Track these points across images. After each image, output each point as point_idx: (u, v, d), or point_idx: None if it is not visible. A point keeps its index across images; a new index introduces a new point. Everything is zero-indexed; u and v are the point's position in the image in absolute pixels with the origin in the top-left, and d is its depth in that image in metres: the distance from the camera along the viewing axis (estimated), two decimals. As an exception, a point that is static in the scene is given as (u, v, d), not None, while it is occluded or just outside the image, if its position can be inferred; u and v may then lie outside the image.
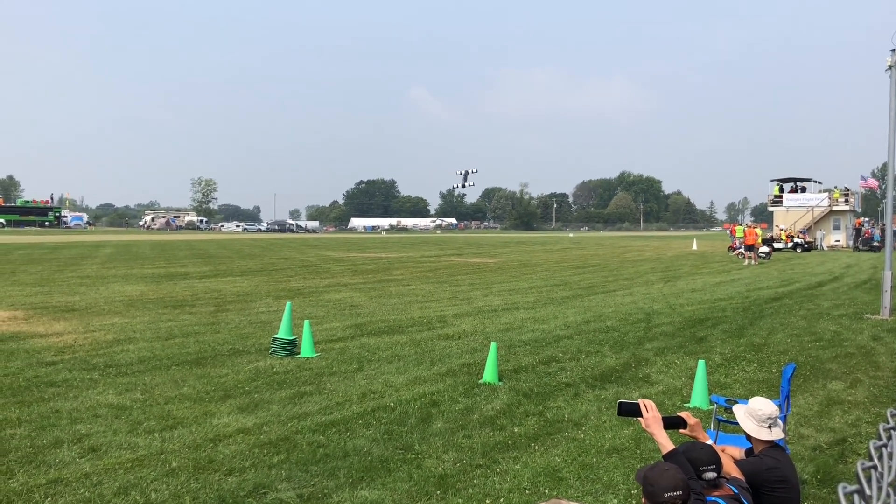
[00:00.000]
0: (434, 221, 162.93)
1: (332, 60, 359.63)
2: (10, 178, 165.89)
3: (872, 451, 2.84)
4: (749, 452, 3.99)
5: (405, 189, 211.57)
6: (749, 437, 3.88)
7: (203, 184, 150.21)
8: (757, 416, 3.79)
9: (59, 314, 13.86)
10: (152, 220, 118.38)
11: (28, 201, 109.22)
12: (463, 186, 46.42)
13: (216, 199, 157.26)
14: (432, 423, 6.91)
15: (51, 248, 39.96)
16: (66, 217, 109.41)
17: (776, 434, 3.79)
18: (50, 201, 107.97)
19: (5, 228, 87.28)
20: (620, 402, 3.63)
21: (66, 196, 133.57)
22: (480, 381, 8.58)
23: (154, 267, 27.02)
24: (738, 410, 3.91)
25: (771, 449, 3.79)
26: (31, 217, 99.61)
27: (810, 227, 52.13)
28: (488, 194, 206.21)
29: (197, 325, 12.75)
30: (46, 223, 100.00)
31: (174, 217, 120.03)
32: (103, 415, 6.99)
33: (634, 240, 76.94)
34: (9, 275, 22.49)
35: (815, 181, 57.30)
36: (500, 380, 8.65)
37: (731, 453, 3.96)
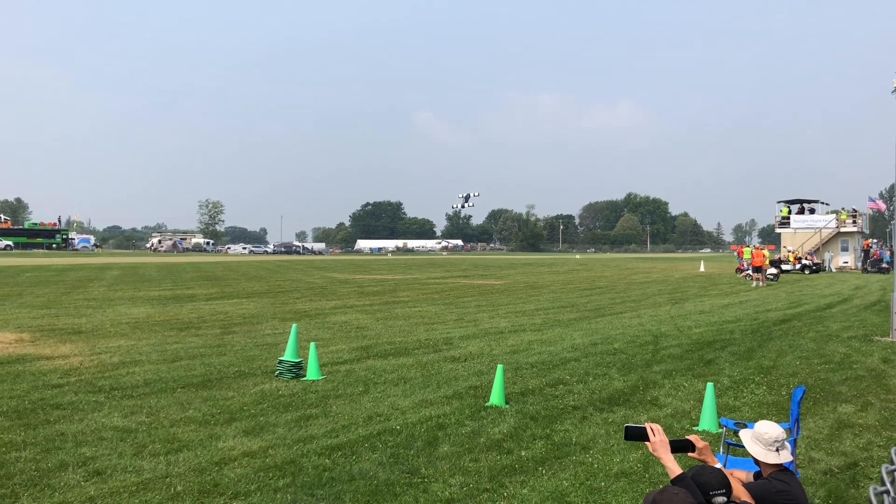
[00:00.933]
0: (440, 243, 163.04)
1: (339, 85, 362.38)
2: (19, 200, 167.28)
3: (885, 476, 2.80)
4: (758, 476, 3.95)
5: (411, 211, 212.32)
6: (757, 462, 3.83)
7: (210, 206, 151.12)
8: (763, 439, 3.75)
9: (65, 336, 13.87)
10: (159, 242, 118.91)
11: (36, 223, 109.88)
12: (463, 207, 46.65)
13: (223, 221, 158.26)
14: (439, 446, 6.86)
15: (58, 271, 40.10)
16: (74, 239, 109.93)
17: (784, 457, 3.75)
18: (57, 224, 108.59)
19: (13, 251, 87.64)
20: (627, 427, 3.60)
21: (73, 218, 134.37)
22: (487, 404, 8.53)
23: (160, 289, 27.07)
24: (745, 435, 3.88)
25: (780, 472, 3.74)
26: (39, 239, 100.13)
27: (818, 249, 51.98)
28: (494, 216, 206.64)
29: (203, 347, 12.74)
30: (54, 245, 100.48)
31: (181, 239, 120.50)
32: (109, 437, 6.97)
33: (641, 261, 76.81)
34: (16, 297, 22.55)
35: (823, 202, 57.30)
36: (506, 403, 8.59)
37: (739, 476, 3.92)
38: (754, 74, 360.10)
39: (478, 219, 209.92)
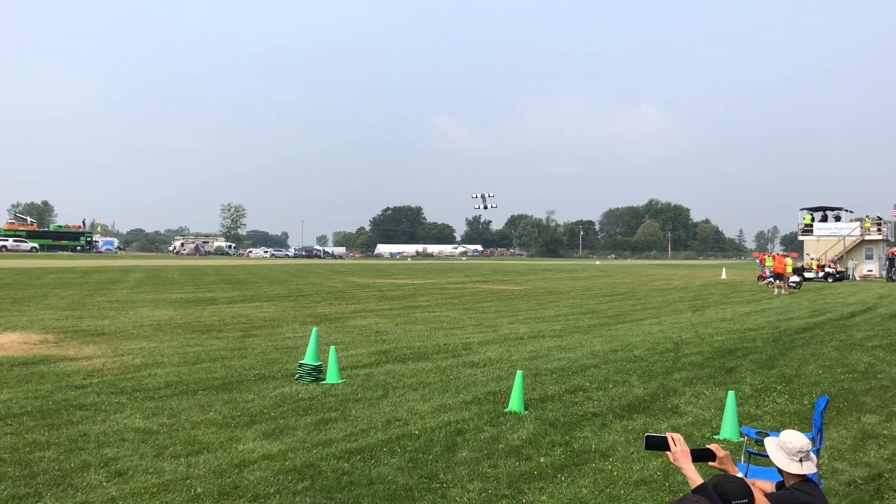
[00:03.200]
0: (455, 248, 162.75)
1: (361, 90, 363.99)
2: (45, 203, 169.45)
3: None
4: (780, 486, 3.90)
5: (431, 216, 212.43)
6: (780, 472, 3.79)
7: (232, 210, 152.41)
8: (788, 449, 3.71)
9: (88, 338, 14.03)
10: (182, 245, 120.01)
11: (61, 226, 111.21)
12: (484, 208, 46.15)
13: (245, 224, 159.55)
14: (457, 451, 6.86)
15: (82, 273, 40.56)
16: (98, 242, 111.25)
17: (808, 468, 3.70)
18: (82, 226, 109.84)
19: (39, 253, 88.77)
20: (648, 436, 3.58)
21: (97, 221, 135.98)
22: (506, 410, 8.51)
23: (182, 292, 27.29)
24: (770, 443, 3.83)
25: (803, 483, 3.69)
26: (64, 242, 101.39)
27: (842, 257, 51.38)
28: (514, 221, 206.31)
29: (224, 350, 12.82)
30: (78, 248, 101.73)
31: (203, 242, 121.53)
32: (130, 439, 7.03)
33: (662, 268, 76.36)
34: (41, 298, 22.83)
35: (847, 210, 56.56)
36: (525, 409, 8.57)
37: (761, 487, 3.88)
38: (779, 79, 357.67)
39: (497, 224, 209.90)
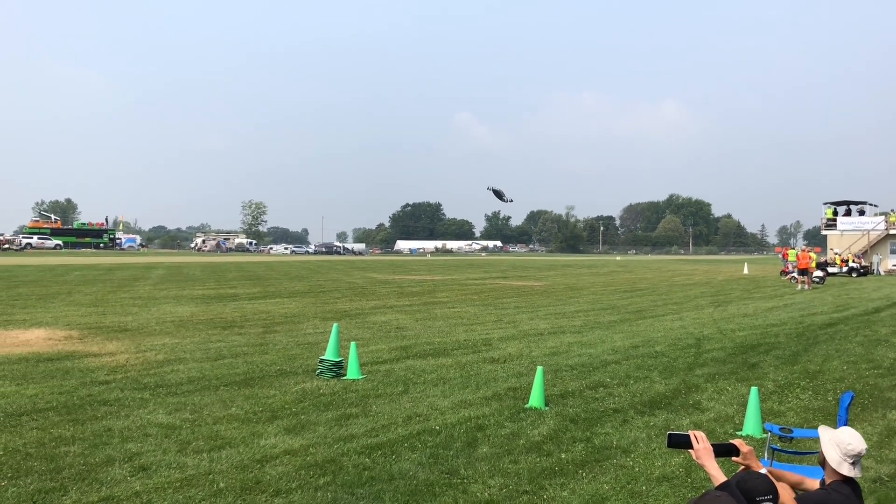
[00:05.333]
0: (469, 244, 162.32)
1: (380, 87, 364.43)
2: (69, 200, 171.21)
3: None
4: (823, 483, 3.76)
5: (450, 212, 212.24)
6: (823, 464, 3.66)
7: (253, 206, 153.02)
8: (846, 449, 3.54)
9: (112, 334, 14.17)
10: (203, 242, 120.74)
11: (84, 224, 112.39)
12: (503, 200, 45.31)
13: (265, 221, 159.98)
14: (478, 447, 6.86)
15: (105, 270, 40.99)
16: (120, 239, 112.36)
17: (856, 473, 3.58)
18: (105, 224, 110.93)
19: (63, 250, 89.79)
20: (670, 434, 3.55)
21: (120, 218, 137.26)
22: (526, 406, 8.50)
23: (204, 288, 27.50)
24: (825, 434, 3.68)
25: (842, 484, 3.57)
26: (87, 239, 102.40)
27: (866, 251, 50.77)
28: (533, 217, 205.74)
29: (245, 346, 12.91)
30: (101, 245, 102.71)
31: (224, 239, 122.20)
32: (153, 434, 7.10)
33: (683, 263, 75.87)
34: (65, 295, 23.10)
35: (871, 204, 55.86)
36: (546, 405, 8.55)
37: (789, 480, 3.78)
38: (801, 72, 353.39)
39: (517, 220, 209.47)
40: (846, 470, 3.54)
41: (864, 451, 3.54)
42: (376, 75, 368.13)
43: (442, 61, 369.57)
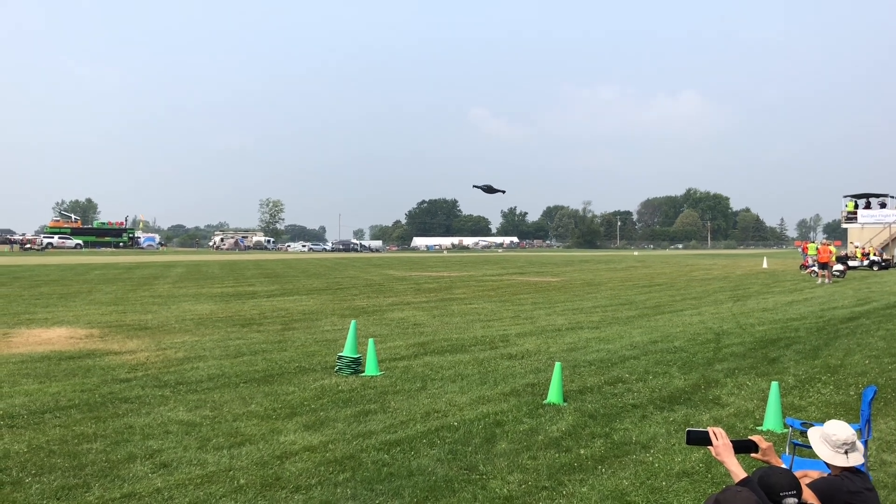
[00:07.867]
0: (480, 241, 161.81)
1: (396, 84, 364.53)
2: (89, 200, 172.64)
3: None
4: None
5: (466, 208, 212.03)
6: (827, 464, 3.69)
7: (271, 205, 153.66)
8: (832, 441, 3.59)
9: (132, 332, 14.29)
10: (221, 240, 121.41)
11: (104, 223, 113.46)
12: (494, 192, 44.68)
13: (283, 219, 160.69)
14: (497, 443, 6.85)
15: (125, 269, 41.33)
16: (140, 238, 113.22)
17: (854, 460, 3.58)
18: (124, 223, 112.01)
19: (83, 249, 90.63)
20: (689, 431, 3.52)
21: (139, 218, 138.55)
22: (545, 402, 8.48)
23: (223, 286, 27.66)
24: (814, 434, 3.72)
25: (852, 473, 3.58)
26: (107, 238, 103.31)
27: (888, 245, 50.17)
28: (550, 212, 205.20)
29: (264, 343, 12.97)
30: (121, 244, 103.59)
31: (242, 237, 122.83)
32: (174, 431, 7.16)
33: (702, 258, 75.35)
34: (86, 294, 23.32)
35: (892, 196, 55.15)
36: (564, 400, 8.53)
37: (812, 476, 3.78)
38: (820, 65, 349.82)
39: (533, 215, 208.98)
40: (841, 461, 3.56)
41: (850, 438, 3.55)
42: (392, 72, 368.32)
43: (458, 56, 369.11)
